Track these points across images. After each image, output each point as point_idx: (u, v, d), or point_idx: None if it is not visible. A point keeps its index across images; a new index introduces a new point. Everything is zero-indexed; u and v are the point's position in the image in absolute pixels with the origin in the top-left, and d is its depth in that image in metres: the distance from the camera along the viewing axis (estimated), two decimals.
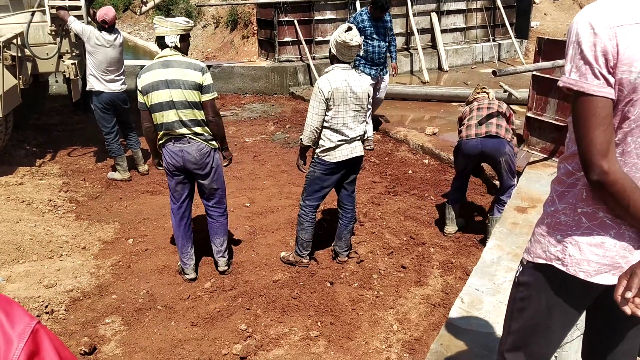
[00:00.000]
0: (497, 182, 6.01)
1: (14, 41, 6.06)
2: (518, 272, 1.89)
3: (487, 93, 5.13)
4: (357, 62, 7.05)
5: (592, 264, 1.64)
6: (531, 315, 1.83)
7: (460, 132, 4.79)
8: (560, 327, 1.83)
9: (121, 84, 6.24)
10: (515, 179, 4.81)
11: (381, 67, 7.12)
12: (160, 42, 3.88)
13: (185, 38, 3.94)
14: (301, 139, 4.18)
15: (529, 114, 5.44)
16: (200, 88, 3.85)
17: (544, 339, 1.84)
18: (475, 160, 4.85)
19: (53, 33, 6.43)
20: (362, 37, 6.79)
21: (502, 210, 4.65)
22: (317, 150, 4.16)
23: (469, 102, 5.19)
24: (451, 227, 5.08)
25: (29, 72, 6.45)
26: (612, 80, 1.48)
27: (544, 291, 1.78)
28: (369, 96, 4.14)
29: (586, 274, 1.65)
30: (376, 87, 7.19)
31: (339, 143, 4.07)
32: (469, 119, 4.74)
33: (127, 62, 6.79)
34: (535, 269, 1.79)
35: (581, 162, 1.56)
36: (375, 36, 6.89)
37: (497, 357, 2.02)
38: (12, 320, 0.78)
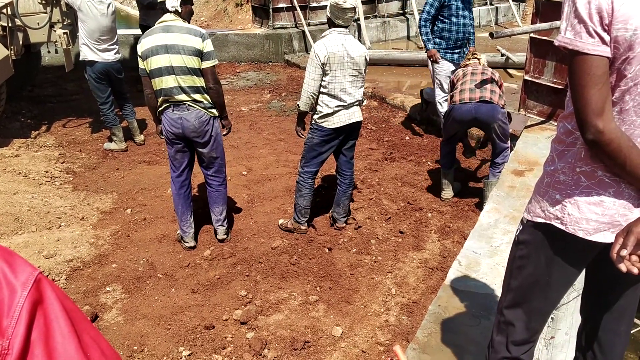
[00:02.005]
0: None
1: (4, 11, 5.95)
2: (518, 231, 1.90)
3: (479, 59, 5.09)
4: (437, 47, 5.84)
5: (591, 222, 1.65)
6: (530, 272, 1.85)
7: (452, 96, 4.75)
8: (559, 285, 1.85)
9: (115, 53, 6.14)
10: (510, 142, 4.80)
11: (464, 50, 5.91)
12: (162, 7, 3.84)
13: (186, 3, 3.89)
14: (298, 104, 4.16)
15: (527, 77, 5.39)
16: (200, 54, 3.81)
17: (542, 296, 1.87)
18: (467, 126, 4.84)
19: (43, 2, 6.31)
20: (446, 13, 5.63)
21: (498, 173, 4.66)
22: (315, 117, 4.14)
23: (460, 67, 5.14)
24: (448, 192, 5.09)
25: (21, 42, 6.35)
26: (607, 38, 1.47)
27: (543, 249, 1.79)
28: (366, 61, 4.10)
29: (585, 232, 1.66)
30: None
31: (337, 109, 4.05)
32: (462, 83, 4.69)
33: (119, 32, 6.68)
34: (535, 228, 1.80)
35: (577, 122, 1.56)
36: (461, 12, 5.65)
37: (496, 314, 2.05)
38: (15, 270, 0.79)
